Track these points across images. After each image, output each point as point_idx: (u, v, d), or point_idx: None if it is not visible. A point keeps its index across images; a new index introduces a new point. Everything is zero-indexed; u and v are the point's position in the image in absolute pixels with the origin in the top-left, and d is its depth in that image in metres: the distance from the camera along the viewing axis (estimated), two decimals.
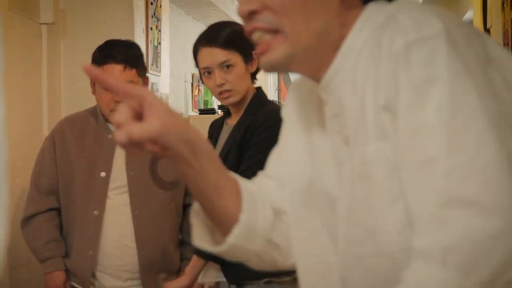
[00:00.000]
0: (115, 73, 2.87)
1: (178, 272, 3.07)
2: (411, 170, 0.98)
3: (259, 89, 2.75)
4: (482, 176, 0.91)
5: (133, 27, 4.39)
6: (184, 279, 2.64)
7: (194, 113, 6.48)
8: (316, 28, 1.10)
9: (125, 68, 2.90)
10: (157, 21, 4.80)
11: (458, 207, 0.92)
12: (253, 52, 2.56)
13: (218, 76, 2.60)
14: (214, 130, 2.78)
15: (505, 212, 0.90)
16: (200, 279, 2.69)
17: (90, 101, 4.34)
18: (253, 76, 2.71)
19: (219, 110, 6.30)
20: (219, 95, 2.65)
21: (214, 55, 2.60)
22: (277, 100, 9.47)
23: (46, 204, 3.03)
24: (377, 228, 1.05)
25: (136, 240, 2.93)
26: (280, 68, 1.16)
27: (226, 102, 2.67)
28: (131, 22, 4.39)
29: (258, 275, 2.61)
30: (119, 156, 2.97)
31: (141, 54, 3.02)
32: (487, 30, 5.53)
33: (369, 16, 1.12)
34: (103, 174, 2.95)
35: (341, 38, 1.12)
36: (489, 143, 0.93)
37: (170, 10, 5.32)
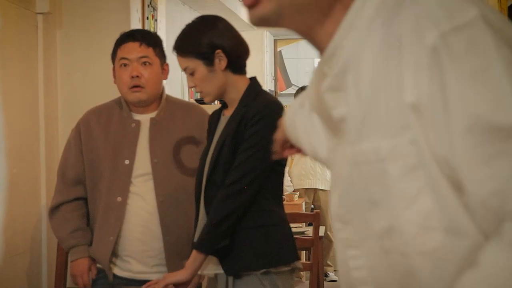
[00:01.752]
0: (131, 49, 2.97)
1: None
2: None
3: (253, 79, 2.75)
4: None
5: (129, 16, 4.38)
6: (184, 272, 2.65)
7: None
8: None
9: (141, 44, 2.99)
10: (153, 11, 4.79)
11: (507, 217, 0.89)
12: (216, 52, 2.62)
13: (188, 80, 2.69)
14: (212, 121, 2.80)
15: None
16: (199, 271, 2.71)
17: (86, 91, 4.34)
18: (237, 69, 2.70)
19: (216, 101, 6.30)
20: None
21: (180, 62, 2.68)
22: (273, 89, 9.47)
23: (72, 194, 3.09)
24: (393, 228, 1.01)
25: (161, 226, 2.96)
26: (269, 23, 1.09)
27: (207, 101, 2.75)
28: (127, 11, 4.39)
29: (255, 266, 2.62)
30: (143, 144, 3.01)
31: (160, 40, 3.10)
32: None
33: None
34: (127, 161, 2.99)
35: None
36: None
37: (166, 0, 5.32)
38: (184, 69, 2.66)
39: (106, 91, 4.25)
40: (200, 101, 6.21)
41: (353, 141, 1.06)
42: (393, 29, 0.98)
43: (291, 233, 2.79)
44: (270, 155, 2.41)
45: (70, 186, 3.09)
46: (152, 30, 4.77)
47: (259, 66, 8.81)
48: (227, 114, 2.72)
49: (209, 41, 2.64)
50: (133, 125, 3.04)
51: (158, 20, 4.90)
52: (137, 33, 3.06)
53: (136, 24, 4.44)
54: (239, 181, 2.59)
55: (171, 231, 2.98)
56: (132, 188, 2.98)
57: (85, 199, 3.09)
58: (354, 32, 1.04)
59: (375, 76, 1.01)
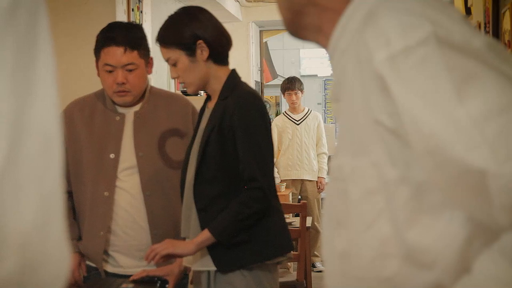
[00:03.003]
0: (116, 55, 2.91)
1: None
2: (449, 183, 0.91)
3: (233, 71, 2.77)
4: None
5: (114, 8, 4.36)
6: (191, 247, 2.66)
7: None
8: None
9: (125, 50, 2.91)
10: (139, 2, 4.77)
11: None
12: (198, 42, 2.65)
13: (171, 71, 2.74)
14: (199, 115, 2.83)
15: None
16: (192, 266, 2.72)
17: (71, 82, 4.32)
18: (219, 60, 2.72)
19: (202, 92, 6.29)
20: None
21: (162, 53, 2.75)
22: (259, 81, 9.46)
23: None
24: (351, 249, 0.99)
25: (149, 220, 2.94)
26: (296, 37, 1.20)
27: (190, 91, 2.81)
28: (112, 3, 4.37)
29: (250, 261, 2.64)
30: (128, 137, 2.99)
31: (143, 36, 3.03)
32: (467, 9, 5.55)
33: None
34: (112, 155, 2.96)
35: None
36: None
37: None
38: (167, 60, 2.70)
39: (91, 82, 4.23)
40: (186, 92, 6.20)
41: (334, 154, 1.07)
42: (359, 45, 0.98)
43: (285, 223, 2.82)
44: (270, 142, 2.48)
45: None
46: (137, 22, 4.75)
47: (245, 58, 8.80)
48: (210, 106, 2.74)
49: (191, 32, 2.67)
50: (118, 118, 3.01)
51: (144, 12, 4.88)
52: (120, 35, 2.93)
53: (121, 16, 4.42)
54: (262, 178, 2.63)
55: (159, 225, 2.96)
56: (118, 183, 2.96)
57: (69, 193, 3.05)
58: (346, 35, 1.05)
59: (350, 91, 1.00)
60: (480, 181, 0.86)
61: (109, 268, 3.00)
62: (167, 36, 2.70)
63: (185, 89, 6.21)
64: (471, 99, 0.87)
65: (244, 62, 8.74)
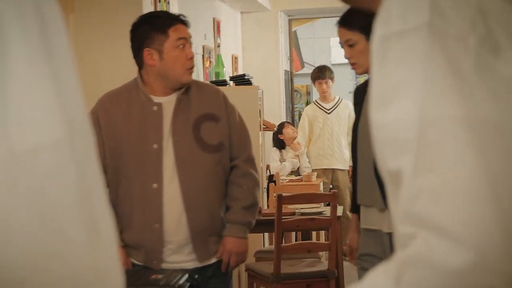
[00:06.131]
0: (185, 29, 3.06)
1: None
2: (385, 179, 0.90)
3: None
4: (453, 200, 0.80)
5: None
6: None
7: None
8: None
9: (187, 28, 3.09)
10: None
11: (422, 228, 0.81)
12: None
13: (346, 51, 3.04)
14: (359, 94, 3.11)
15: (477, 244, 0.78)
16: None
17: (99, 75, 4.33)
18: None
19: (231, 82, 6.27)
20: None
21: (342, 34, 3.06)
22: (289, 70, 9.41)
23: None
24: None
25: (184, 204, 2.97)
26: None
27: (358, 72, 3.16)
28: None
29: None
30: (167, 126, 3.02)
31: None
32: None
33: None
34: (155, 146, 2.99)
35: None
36: (464, 161, 0.80)
37: None
38: (346, 41, 3.00)
39: (120, 74, 4.23)
40: (215, 83, 6.19)
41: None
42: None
43: None
44: None
45: None
46: None
47: (274, 47, 8.76)
48: None
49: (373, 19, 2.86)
50: (155, 108, 3.03)
51: (171, 3, 4.87)
52: (179, 17, 3.12)
53: (148, 7, 4.42)
54: None
55: (194, 209, 2.98)
56: (164, 173, 2.98)
57: (106, 185, 3.04)
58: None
59: None
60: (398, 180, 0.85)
61: (164, 265, 2.99)
62: (352, 19, 2.97)
63: (215, 80, 6.21)
64: (432, 100, 0.83)
65: (273, 51, 8.70)
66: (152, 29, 3.01)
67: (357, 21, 2.96)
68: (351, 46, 2.99)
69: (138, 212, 2.99)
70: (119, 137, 3.02)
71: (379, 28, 0.90)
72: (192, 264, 3.01)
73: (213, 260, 3.09)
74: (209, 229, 3.05)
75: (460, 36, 0.86)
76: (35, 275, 0.68)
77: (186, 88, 3.08)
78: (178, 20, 3.06)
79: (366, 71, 3.03)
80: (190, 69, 3.05)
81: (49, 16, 0.74)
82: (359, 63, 2.99)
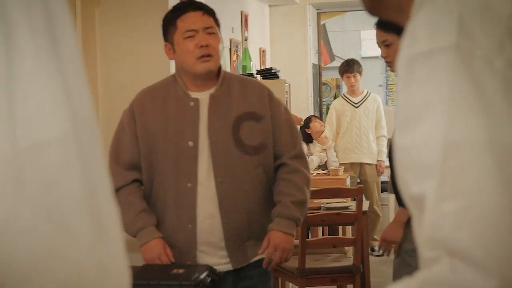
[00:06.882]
0: (196, 19, 2.85)
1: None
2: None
3: None
4: (478, 227, 0.79)
5: None
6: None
7: None
8: None
9: (203, 13, 2.87)
10: None
11: (446, 253, 0.81)
12: None
13: (383, 51, 3.21)
14: None
15: (501, 271, 0.78)
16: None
17: (125, 69, 4.34)
18: None
19: (258, 75, 6.26)
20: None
21: (379, 35, 3.23)
22: (317, 63, 9.38)
23: (130, 176, 2.93)
24: None
25: (220, 207, 2.85)
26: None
27: (392, 70, 3.38)
28: None
29: None
30: (203, 123, 2.88)
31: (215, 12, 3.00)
32: None
33: None
34: (190, 143, 2.86)
35: None
36: (489, 188, 0.80)
37: None
38: (382, 42, 3.18)
39: (145, 68, 4.25)
40: (260, 72, 6.20)
41: None
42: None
43: None
44: None
45: (126, 170, 2.94)
46: None
47: (302, 40, 8.72)
48: None
49: None
50: (192, 103, 2.90)
51: None
52: (195, 3, 2.91)
53: (174, 2, 4.41)
54: None
55: (230, 213, 2.87)
56: (199, 171, 2.87)
57: (141, 182, 2.96)
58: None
59: None
60: (421, 204, 0.85)
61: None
62: (388, 22, 3.04)
63: (260, 69, 6.21)
64: (457, 124, 0.83)
65: (301, 44, 8.67)
66: (165, 22, 2.92)
67: (392, 23, 3.02)
68: (387, 46, 3.17)
69: (172, 211, 2.89)
70: (154, 133, 2.91)
71: (405, 47, 0.89)
72: (226, 267, 2.89)
73: (252, 260, 2.95)
74: (246, 234, 2.91)
75: (487, 58, 0.84)
76: (41, 271, 0.68)
77: (227, 84, 2.93)
78: (188, 8, 2.87)
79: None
80: (202, 57, 2.83)
81: (57, 12, 0.73)
82: (394, 61, 3.07)
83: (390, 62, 3.20)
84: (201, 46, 2.83)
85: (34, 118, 0.68)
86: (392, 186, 3.23)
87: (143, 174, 2.94)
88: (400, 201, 3.25)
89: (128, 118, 2.97)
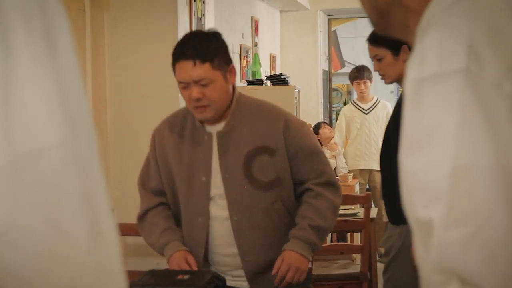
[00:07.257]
0: (187, 70, 2.74)
1: None
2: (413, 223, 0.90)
3: None
4: (485, 253, 0.79)
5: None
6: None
7: (242, 84, 6.46)
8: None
9: (195, 64, 2.73)
10: None
11: (454, 278, 0.81)
12: (403, 46, 3.20)
13: (375, 65, 3.36)
14: None
15: None
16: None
17: (134, 74, 4.35)
18: None
19: (267, 81, 6.26)
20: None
21: (371, 50, 3.38)
22: (327, 69, 9.37)
23: (157, 200, 2.97)
24: None
25: (238, 247, 2.83)
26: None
27: (386, 82, 3.43)
28: None
29: None
30: (215, 158, 2.83)
31: (218, 46, 2.81)
32: None
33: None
34: (203, 178, 2.84)
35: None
36: (496, 213, 0.80)
37: None
38: (374, 56, 3.31)
39: (154, 73, 4.25)
40: (251, 82, 6.19)
41: None
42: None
43: None
44: None
45: (152, 195, 2.97)
46: (199, 13, 4.74)
47: (313, 46, 8.72)
48: None
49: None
50: (206, 137, 2.85)
51: (206, 2, 4.86)
52: (189, 48, 2.76)
53: (183, 7, 4.41)
54: None
55: (250, 252, 2.83)
56: (211, 207, 2.84)
57: (169, 205, 2.97)
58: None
59: None
60: (429, 229, 0.85)
61: None
62: (378, 38, 3.22)
63: (251, 79, 6.20)
64: (465, 149, 0.83)
65: (311, 50, 8.66)
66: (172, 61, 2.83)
67: (383, 38, 3.14)
68: (379, 60, 3.31)
69: (187, 242, 2.90)
70: (170, 165, 2.90)
71: (413, 68, 0.89)
72: (245, 285, 2.88)
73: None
74: (268, 267, 2.86)
75: (496, 82, 0.84)
76: (38, 276, 0.68)
77: (239, 117, 2.84)
78: (181, 56, 2.75)
79: (394, 81, 3.33)
80: (198, 108, 2.76)
81: (54, 18, 0.73)
82: (387, 74, 3.33)
83: (383, 75, 3.35)
84: (193, 99, 2.75)
85: (31, 124, 0.69)
86: (382, 193, 3.40)
87: (169, 199, 2.96)
88: (390, 214, 3.29)
89: (151, 147, 3.00)
